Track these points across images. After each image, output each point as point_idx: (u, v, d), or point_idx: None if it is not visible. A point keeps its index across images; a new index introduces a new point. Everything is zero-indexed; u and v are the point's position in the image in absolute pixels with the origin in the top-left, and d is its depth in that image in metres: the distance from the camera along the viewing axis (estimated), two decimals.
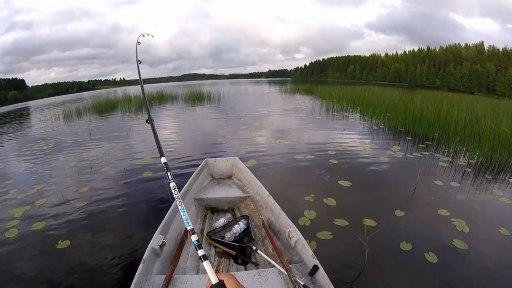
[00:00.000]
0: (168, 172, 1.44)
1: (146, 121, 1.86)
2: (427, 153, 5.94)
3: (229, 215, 3.01)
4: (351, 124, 9.31)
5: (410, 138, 7.30)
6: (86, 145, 7.57)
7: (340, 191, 4.11)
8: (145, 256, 1.94)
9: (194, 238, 1.12)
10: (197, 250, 1.06)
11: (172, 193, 1.35)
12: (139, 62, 2.34)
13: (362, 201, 3.91)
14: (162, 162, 1.49)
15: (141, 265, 1.86)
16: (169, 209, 2.59)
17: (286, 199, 2.79)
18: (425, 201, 3.87)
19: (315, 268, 1.83)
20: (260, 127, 9.04)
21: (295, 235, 2.16)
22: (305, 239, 2.12)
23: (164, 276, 1.86)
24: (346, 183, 4.33)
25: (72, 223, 3.51)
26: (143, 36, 2.52)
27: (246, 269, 2.26)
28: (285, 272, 1.86)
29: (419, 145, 6.59)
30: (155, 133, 1.68)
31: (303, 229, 2.99)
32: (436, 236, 3.04)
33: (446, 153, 5.99)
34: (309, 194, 3.92)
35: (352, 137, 7.46)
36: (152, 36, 2.62)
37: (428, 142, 6.85)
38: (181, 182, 4.64)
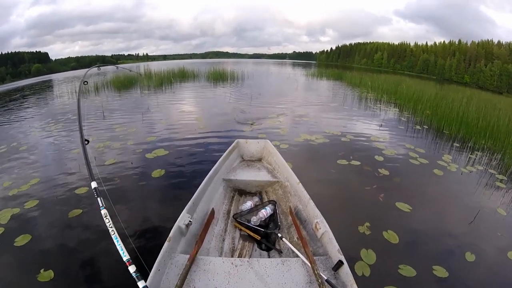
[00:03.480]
0: (99, 198, 1.33)
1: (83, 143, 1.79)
2: (481, 168, 5.00)
3: (256, 199, 2.94)
4: (390, 121, 8.26)
5: (458, 144, 6.28)
6: (96, 127, 6.88)
7: (401, 220, 3.24)
8: (170, 234, 1.95)
9: (131, 269, 1.04)
10: (137, 282, 0.99)
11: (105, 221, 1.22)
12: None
13: (428, 236, 3.04)
14: (92, 187, 1.38)
15: (166, 244, 1.87)
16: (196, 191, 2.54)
17: (333, 225, 2.08)
18: (493, 238, 3.08)
19: (340, 263, 1.78)
20: (291, 116, 8.11)
21: (322, 227, 2.10)
22: None
23: (188, 256, 1.86)
24: (405, 207, 3.44)
25: (60, 245, 2.80)
26: None
27: (269, 256, 2.25)
28: (309, 264, 1.81)
29: (470, 156, 5.63)
30: (86, 157, 1.60)
31: (361, 281, 2.20)
32: None
33: (500, 169, 5.04)
34: (363, 222, 3.08)
35: (397, 137, 6.49)
36: None
37: (477, 152, 5.88)
38: (205, 161, 4.62)
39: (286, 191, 3.00)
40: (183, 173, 4.29)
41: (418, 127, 7.62)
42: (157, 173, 4.20)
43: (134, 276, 0.97)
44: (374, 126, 7.43)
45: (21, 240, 2.78)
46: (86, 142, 1.94)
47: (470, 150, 6.04)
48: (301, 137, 6.03)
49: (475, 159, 5.48)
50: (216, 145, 5.43)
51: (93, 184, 1.34)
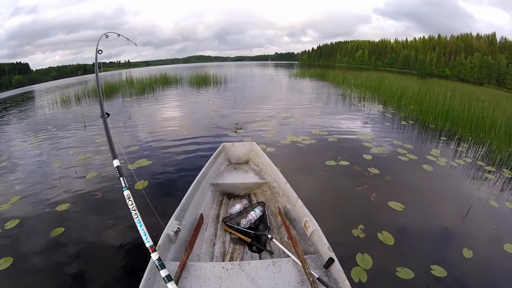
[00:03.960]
0: (121, 178, 1.25)
1: (100, 117, 1.69)
2: (469, 160, 5.03)
3: (245, 201, 2.94)
4: (376, 118, 8.30)
5: (445, 138, 6.34)
6: (77, 138, 6.70)
7: (394, 220, 3.17)
8: (159, 242, 1.92)
9: (154, 256, 1.01)
10: (159, 270, 0.96)
11: (127, 202, 1.14)
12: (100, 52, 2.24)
13: (423, 235, 2.98)
14: (115, 165, 1.32)
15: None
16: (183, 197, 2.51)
17: (326, 230, 2.07)
18: (488, 232, 3.06)
19: (331, 260, 1.78)
20: (276, 118, 8.03)
21: (312, 225, 2.10)
22: None
23: (178, 263, 1.85)
24: (398, 206, 3.38)
25: (43, 266, 2.62)
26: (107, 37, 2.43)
27: (260, 257, 2.24)
28: (300, 263, 1.81)
29: (457, 149, 5.67)
30: (108, 132, 1.54)
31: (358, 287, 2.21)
32: None
33: (488, 161, 5.08)
34: (356, 225, 2.99)
35: (383, 134, 6.48)
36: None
37: (464, 144, 5.95)
38: (191, 167, 4.54)
39: (274, 192, 3.00)
40: (168, 181, 4.18)
41: (403, 122, 7.68)
42: (140, 184, 4.03)
43: (157, 264, 0.92)
44: (360, 124, 7.44)
45: (3, 264, 2.61)
46: (106, 116, 1.85)
47: (457, 143, 6.09)
48: (287, 139, 5.95)
49: (462, 151, 5.52)
50: (202, 150, 5.33)
51: (115, 163, 1.27)
